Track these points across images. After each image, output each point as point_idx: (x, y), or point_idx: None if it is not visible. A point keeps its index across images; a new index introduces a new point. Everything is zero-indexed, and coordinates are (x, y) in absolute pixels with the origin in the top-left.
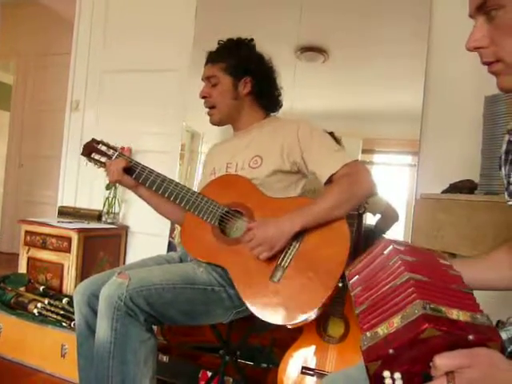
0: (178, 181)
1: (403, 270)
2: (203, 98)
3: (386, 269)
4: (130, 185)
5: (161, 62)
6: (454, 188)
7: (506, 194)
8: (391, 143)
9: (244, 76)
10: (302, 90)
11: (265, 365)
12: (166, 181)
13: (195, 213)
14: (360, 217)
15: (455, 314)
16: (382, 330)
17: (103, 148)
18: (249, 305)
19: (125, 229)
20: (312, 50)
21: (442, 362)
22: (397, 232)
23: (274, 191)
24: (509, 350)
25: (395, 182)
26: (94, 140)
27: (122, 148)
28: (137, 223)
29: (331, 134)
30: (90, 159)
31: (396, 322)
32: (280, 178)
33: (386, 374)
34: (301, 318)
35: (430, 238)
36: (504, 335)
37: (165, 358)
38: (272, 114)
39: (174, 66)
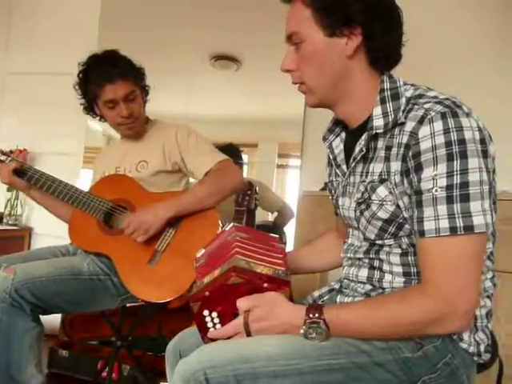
0: (89, 182)
1: (233, 231)
2: (130, 115)
3: (223, 237)
4: (22, 186)
5: (65, 66)
6: None
7: None
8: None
9: (142, 87)
10: (215, 96)
11: (160, 354)
12: (55, 182)
13: (82, 209)
14: (251, 212)
15: (261, 268)
16: (206, 280)
17: None
18: (128, 287)
19: (28, 230)
20: (225, 59)
21: (241, 303)
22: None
23: (158, 188)
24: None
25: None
26: None
27: (17, 151)
28: (41, 225)
29: (230, 144)
30: None
31: (217, 273)
32: (163, 177)
33: (206, 312)
34: (174, 296)
35: (309, 230)
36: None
37: (64, 353)
38: None
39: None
